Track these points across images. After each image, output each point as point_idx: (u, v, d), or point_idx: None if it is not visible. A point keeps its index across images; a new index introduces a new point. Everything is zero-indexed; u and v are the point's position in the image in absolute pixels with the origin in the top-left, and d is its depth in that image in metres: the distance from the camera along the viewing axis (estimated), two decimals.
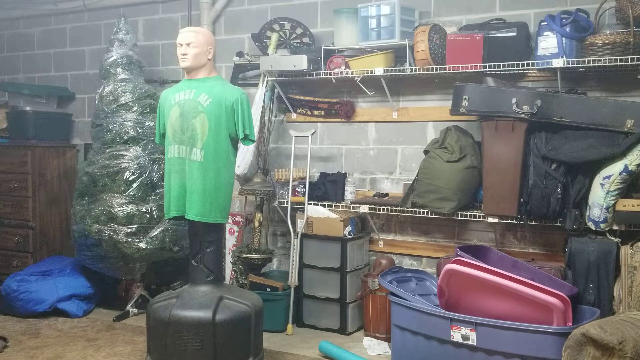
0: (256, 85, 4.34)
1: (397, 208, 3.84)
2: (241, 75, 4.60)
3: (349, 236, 3.97)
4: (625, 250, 3.11)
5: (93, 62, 5.26)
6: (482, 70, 3.57)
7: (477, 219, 3.64)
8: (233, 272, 4.22)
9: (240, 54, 4.46)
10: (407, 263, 4.16)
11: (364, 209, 3.95)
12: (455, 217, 3.66)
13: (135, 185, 4.16)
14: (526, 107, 3.32)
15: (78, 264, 4.45)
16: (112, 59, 4.43)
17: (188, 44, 3.11)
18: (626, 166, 3.09)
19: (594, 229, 3.23)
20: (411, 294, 3.25)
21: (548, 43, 3.38)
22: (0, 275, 4.76)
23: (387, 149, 4.21)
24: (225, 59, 4.71)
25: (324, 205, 4.09)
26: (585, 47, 3.34)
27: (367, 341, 3.78)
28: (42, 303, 4.18)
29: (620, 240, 3.19)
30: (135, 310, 4.31)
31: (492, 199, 3.48)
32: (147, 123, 4.31)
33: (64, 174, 5.11)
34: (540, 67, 3.44)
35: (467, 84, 3.54)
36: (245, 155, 4.08)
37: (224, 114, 3.08)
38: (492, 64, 3.55)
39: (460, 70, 3.62)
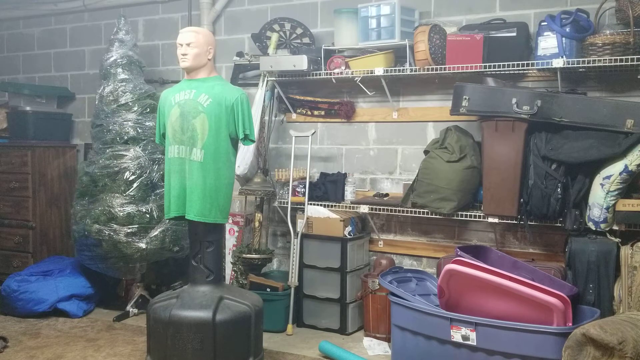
0: (256, 85, 4.34)
1: (397, 208, 3.84)
2: (241, 75, 4.60)
3: (349, 236, 3.97)
4: (625, 250, 3.11)
5: (93, 62, 5.27)
6: (482, 70, 3.57)
7: (477, 219, 3.64)
8: (233, 272, 4.22)
9: (240, 54, 4.47)
10: (407, 263, 4.16)
11: (364, 209, 3.95)
12: (455, 217, 3.66)
13: (135, 185, 4.16)
14: (526, 107, 3.32)
15: (78, 264, 4.45)
16: (112, 59, 4.43)
17: (188, 44, 3.11)
18: (626, 166, 3.10)
19: (594, 229, 3.23)
20: (411, 294, 3.25)
21: (548, 43, 3.38)
22: (0, 275, 4.76)
23: (387, 149, 4.21)
24: (225, 59, 4.71)
25: (324, 205, 4.09)
26: (585, 47, 3.35)
27: (367, 341, 3.78)
28: (42, 303, 4.18)
29: (620, 240, 3.19)
30: (135, 310, 4.30)
31: (492, 199, 3.48)
32: (147, 123, 4.31)
33: (64, 174, 5.11)
34: (540, 67, 3.44)
35: (467, 84, 3.54)
36: (245, 156, 4.08)
37: (224, 114, 3.08)
38: (492, 64, 3.55)
39: (460, 71, 3.62)
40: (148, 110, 4.37)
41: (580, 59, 3.32)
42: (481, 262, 3.05)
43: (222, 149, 3.10)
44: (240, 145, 3.57)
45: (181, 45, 3.13)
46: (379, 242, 4.22)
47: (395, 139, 4.18)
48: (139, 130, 4.28)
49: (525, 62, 3.49)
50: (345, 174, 4.23)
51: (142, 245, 4.10)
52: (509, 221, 3.54)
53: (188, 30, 3.18)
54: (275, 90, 4.32)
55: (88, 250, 4.23)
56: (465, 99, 3.47)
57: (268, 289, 3.97)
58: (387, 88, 3.98)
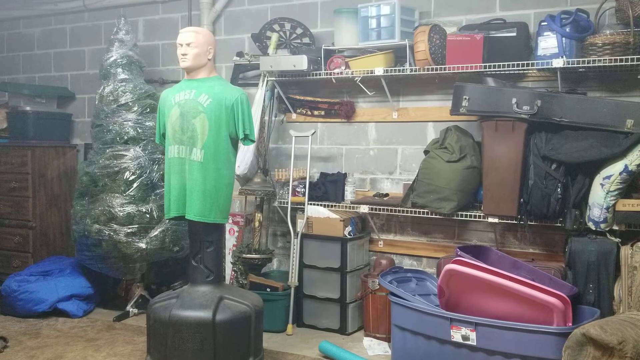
0: (256, 85, 4.34)
1: (397, 208, 3.84)
2: (241, 75, 4.60)
3: (349, 236, 3.96)
4: (625, 251, 3.11)
5: (93, 62, 5.27)
6: (482, 70, 3.57)
7: (477, 219, 3.64)
8: (233, 272, 4.22)
9: (240, 54, 4.46)
10: (407, 263, 4.16)
11: (364, 209, 3.95)
12: (455, 217, 3.66)
13: (135, 185, 4.16)
14: (526, 107, 3.32)
15: (78, 264, 4.45)
16: (112, 59, 4.43)
17: (188, 44, 3.11)
18: (626, 166, 3.10)
19: (594, 229, 3.23)
20: (411, 294, 3.25)
21: (548, 43, 3.38)
22: (0, 275, 4.76)
23: (387, 149, 4.21)
24: (225, 59, 4.71)
25: (324, 206, 4.09)
26: (585, 47, 3.35)
27: (367, 341, 3.78)
28: (42, 303, 4.18)
29: (620, 240, 3.19)
30: (135, 310, 4.30)
31: (492, 199, 3.48)
32: (147, 123, 4.31)
33: (64, 174, 5.12)
34: (540, 67, 3.44)
35: (467, 84, 3.54)
36: (245, 155, 4.08)
37: (224, 114, 3.08)
38: (492, 64, 3.54)
39: (460, 70, 3.62)
40: (148, 110, 4.37)
41: (580, 59, 3.32)
42: (481, 262, 3.05)
43: (222, 149, 3.10)
44: (240, 145, 3.56)
45: (181, 45, 3.13)
46: (379, 242, 4.22)
47: (395, 139, 4.18)
48: (139, 130, 4.28)
49: (525, 62, 3.49)
50: (345, 174, 4.23)
51: (142, 245, 4.10)
52: (509, 221, 3.54)
53: (188, 30, 3.18)
54: (275, 90, 4.32)
55: (88, 250, 4.23)
56: (465, 99, 3.47)
57: (268, 289, 3.97)
58: (387, 88, 3.98)
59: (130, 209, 4.11)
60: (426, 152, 3.74)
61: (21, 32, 5.72)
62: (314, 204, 4.10)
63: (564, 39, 3.33)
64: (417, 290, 3.40)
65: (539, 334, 2.75)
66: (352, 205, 4.02)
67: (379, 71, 3.84)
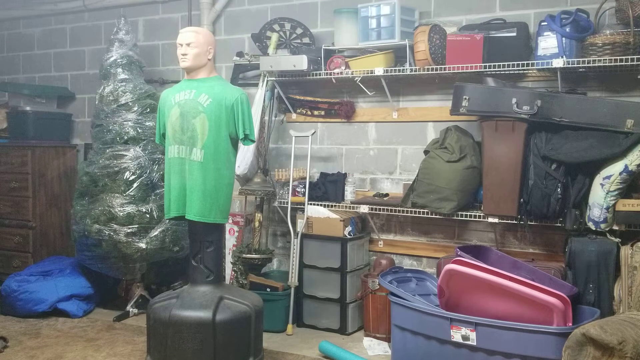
0: (256, 85, 4.34)
1: (397, 208, 3.84)
2: (241, 75, 4.60)
3: (349, 236, 3.97)
4: (625, 251, 3.11)
5: (93, 62, 5.27)
6: (482, 70, 3.57)
7: (477, 219, 3.64)
8: (233, 272, 4.22)
9: (240, 54, 4.46)
10: (407, 263, 4.16)
11: (364, 209, 3.95)
12: (455, 217, 3.66)
13: (135, 185, 4.16)
14: (526, 107, 3.32)
15: (78, 264, 4.45)
16: (112, 59, 4.44)
17: (188, 44, 3.11)
18: (626, 166, 3.10)
19: (594, 229, 3.23)
20: (411, 294, 3.25)
21: (548, 43, 3.38)
22: (0, 275, 4.76)
23: (387, 149, 4.21)
24: (225, 59, 4.71)
25: (324, 206, 4.09)
26: (585, 47, 3.35)
27: (367, 341, 3.78)
28: (42, 303, 4.18)
29: (620, 240, 3.19)
30: (135, 310, 4.30)
31: (492, 199, 3.48)
32: (147, 123, 4.31)
33: (64, 174, 5.12)
34: (540, 67, 3.44)
35: (467, 84, 3.54)
36: (245, 155, 4.08)
37: (224, 114, 3.08)
38: (492, 64, 3.55)
39: (460, 71, 3.62)
40: (148, 110, 4.37)
41: (580, 59, 3.32)
42: (481, 262, 3.05)
43: (222, 149, 3.10)
44: (240, 145, 3.56)
45: (181, 45, 3.13)
46: (379, 242, 4.22)
47: (395, 139, 4.18)
48: (139, 130, 4.28)
49: (525, 62, 3.49)
50: (345, 174, 4.23)
51: (142, 245, 4.10)
52: (509, 221, 3.54)
53: (188, 30, 3.18)
54: (275, 90, 4.32)
55: (88, 250, 4.23)
56: (465, 99, 3.47)
57: (268, 289, 3.97)
58: (387, 88, 3.98)
59: (130, 209, 4.11)
60: (426, 152, 3.74)
61: (21, 32, 5.72)
62: (314, 204, 4.10)
63: (564, 39, 3.33)
64: (417, 290, 3.40)
65: (539, 334, 2.75)
66: (352, 205, 4.02)
67: (379, 71, 3.84)
